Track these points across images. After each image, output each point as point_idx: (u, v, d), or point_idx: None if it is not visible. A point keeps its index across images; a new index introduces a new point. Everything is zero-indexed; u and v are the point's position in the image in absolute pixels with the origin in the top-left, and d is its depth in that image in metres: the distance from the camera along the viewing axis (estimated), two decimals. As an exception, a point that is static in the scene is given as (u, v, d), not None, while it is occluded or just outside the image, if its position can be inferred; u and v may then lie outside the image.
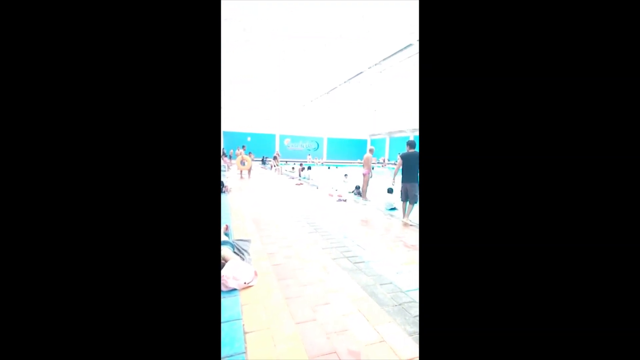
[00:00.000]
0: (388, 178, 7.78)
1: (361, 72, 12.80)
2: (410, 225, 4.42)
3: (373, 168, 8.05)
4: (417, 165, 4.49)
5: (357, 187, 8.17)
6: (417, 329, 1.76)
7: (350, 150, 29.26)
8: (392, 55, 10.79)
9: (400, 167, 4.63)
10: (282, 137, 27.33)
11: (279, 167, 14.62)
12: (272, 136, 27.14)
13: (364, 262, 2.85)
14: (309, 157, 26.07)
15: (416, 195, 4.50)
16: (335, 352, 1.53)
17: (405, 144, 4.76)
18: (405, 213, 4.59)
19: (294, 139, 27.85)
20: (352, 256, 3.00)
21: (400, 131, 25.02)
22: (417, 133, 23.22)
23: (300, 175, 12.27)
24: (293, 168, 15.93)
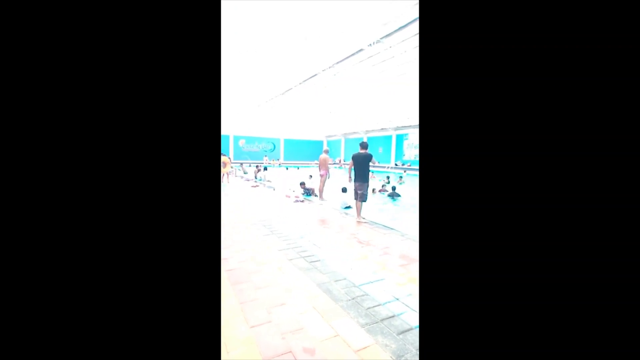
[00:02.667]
0: (340, 178, 8.01)
1: (315, 75, 12.98)
2: (364, 222, 4.62)
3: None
4: (367, 166, 4.70)
5: (302, 183, 8.33)
6: (369, 320, 1.85)
7: (307, 151, 29.47)
8: (345, 59, 11.14)
9: (353, 167, 4.81)
10: (237, 138, 26.43)
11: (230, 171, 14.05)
12: (226, 137, 26.08)
13: (319, 260, 2.91)
14: (265, 158, 25.60)
15: (364, 194, 4.71)
16: (290, 352, 1.54)
17: (359, 145, 4.95)
18: (358, 211, 4.78)
19: (249, 140, 27.14)
20: (308, 255, 3.04)
21: (354, 132, 25.94)
22: (370, 134, 24.27)
23: (255, 177, 11.99)
24: (243, 169, 15.36)
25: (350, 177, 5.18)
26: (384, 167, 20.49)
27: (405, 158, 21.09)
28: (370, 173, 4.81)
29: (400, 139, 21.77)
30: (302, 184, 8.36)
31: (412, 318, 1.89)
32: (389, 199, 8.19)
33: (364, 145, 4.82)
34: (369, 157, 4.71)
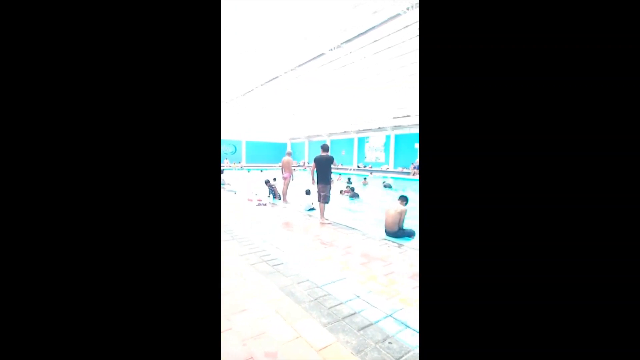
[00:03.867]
0: (305, 180, 8.05)
1: (277, 77, 12.90)
2: (327, 223, 4.69)
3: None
4: (329, 168, 4.80)
5: (267, 181, 8.26)
6: (330, 319, 1.89)
7: (271, 153, 29.07)
8: (307, 62, 11.23)
9: (315, 169, 4.87)
10: (195, 140, 25.10)
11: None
12: (183, 139, 24.60)
13: (282, 263, 2.89)
14: (226, 161, 24.74)
15: (327, 196, 4.80)
16: (251, 357, 1.51)
17: (320, 147, 5.03)
18: (321, 213, 4.84)
19: (209, 142, 25.93)
20: (271, 259, 3.00)
21: (318, 135, 26.22)
22: (333, 137, 24.70)
23: (216, 181, 11.49)
24: None
25: (313, 179, 5.22)
26: (347, 169, 20.98)
27: (367, 160, 21.82)
28: (337, 175, 4.93)
29: (361, 141, 22.47)
30: (267, 182, 8.23)
31: (371, 314, 1.97)
32: (350, 200, 8.45)
33: (325, 148, 4.91)
34: (330, 160, 4.80)
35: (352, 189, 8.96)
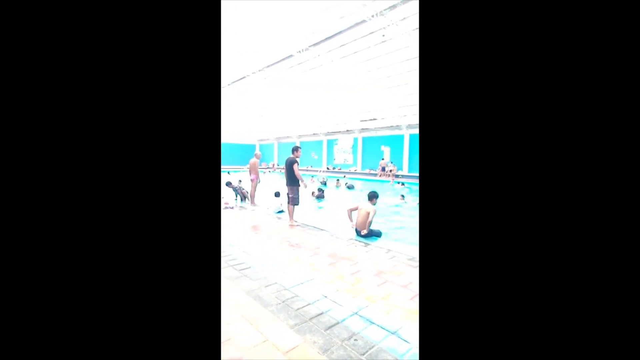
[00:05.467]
0: (276, 182, 7.97)
1: (245, 77, 12.64)
2: (296, 225, 4.68)
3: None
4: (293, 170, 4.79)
5: (229, 183, 8.08)
6: (298, 320, 1.89)
7: (239, 155, 28.31)
8: (275, 63, 11.15)
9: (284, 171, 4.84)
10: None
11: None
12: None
13: (249, 267, 2.84)
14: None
15: (295, 198, 4.79)
16: (215, 366, 1.47)
17: (291, 149, 5.01)
18: (290, 215, 4.83)
19: (172, 143, 24.59)
20: (238, 263, 2.93)
21: (288, 137, 26.06)
22: (303, 139, 24.72)
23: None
24: None
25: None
26: (317, 170, 21.10)
27: (336, 162, 22.13)
28: (310, 177, 4.90)
29: (330, 143, 22.75)
30: (229, 184, 7.96)
31: (338, 313, 2.01)
32: (317, 200, 8.56)
33: (292, 150, 4.90)
34: (292, 161, 4.79)
35: (320, 190, 9.06)
